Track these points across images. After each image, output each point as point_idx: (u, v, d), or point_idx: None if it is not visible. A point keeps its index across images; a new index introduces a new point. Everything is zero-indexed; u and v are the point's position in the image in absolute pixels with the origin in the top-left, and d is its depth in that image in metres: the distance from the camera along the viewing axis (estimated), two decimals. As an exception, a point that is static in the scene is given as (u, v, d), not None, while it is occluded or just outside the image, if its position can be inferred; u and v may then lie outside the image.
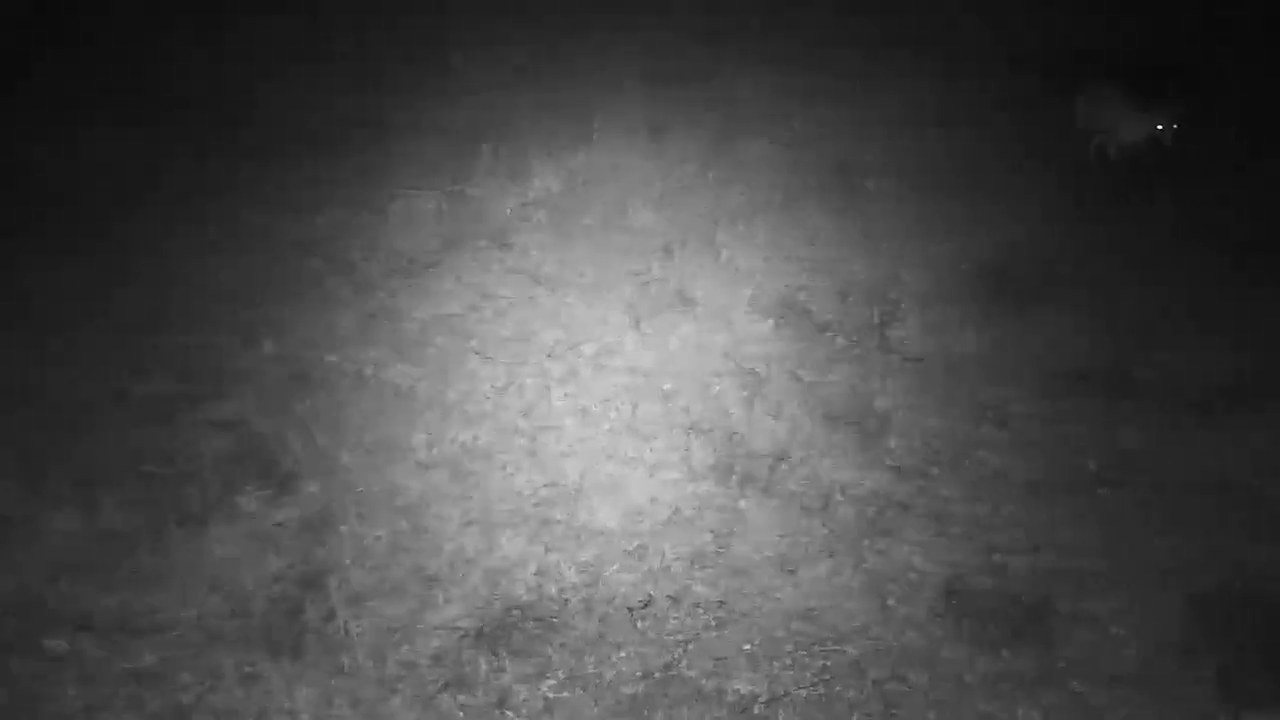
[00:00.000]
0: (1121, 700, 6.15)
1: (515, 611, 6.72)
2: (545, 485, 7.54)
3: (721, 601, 6.82)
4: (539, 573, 6.97)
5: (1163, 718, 6.07)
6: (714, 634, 6.64)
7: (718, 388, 8.30)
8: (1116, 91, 9.97)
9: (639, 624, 6.67)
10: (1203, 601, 6.60)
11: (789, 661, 6.47)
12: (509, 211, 9.88)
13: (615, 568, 7.01)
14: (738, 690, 6.33)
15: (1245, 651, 6.28)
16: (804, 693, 6.30)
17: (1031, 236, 9.63)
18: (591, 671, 6.42)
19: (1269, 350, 8.37)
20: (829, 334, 8.75)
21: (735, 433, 7.91)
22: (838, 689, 6.31)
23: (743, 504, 7.43)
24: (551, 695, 6.31)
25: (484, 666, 6.41)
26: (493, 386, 8.26)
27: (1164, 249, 9.43)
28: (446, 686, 6.34)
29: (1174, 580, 6.77)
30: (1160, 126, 9.56)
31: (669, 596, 6.85)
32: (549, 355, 8.55)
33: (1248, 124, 10.46)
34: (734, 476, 7.55)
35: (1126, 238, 9.59)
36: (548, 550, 7.11)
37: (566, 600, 6.81)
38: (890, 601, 6.79)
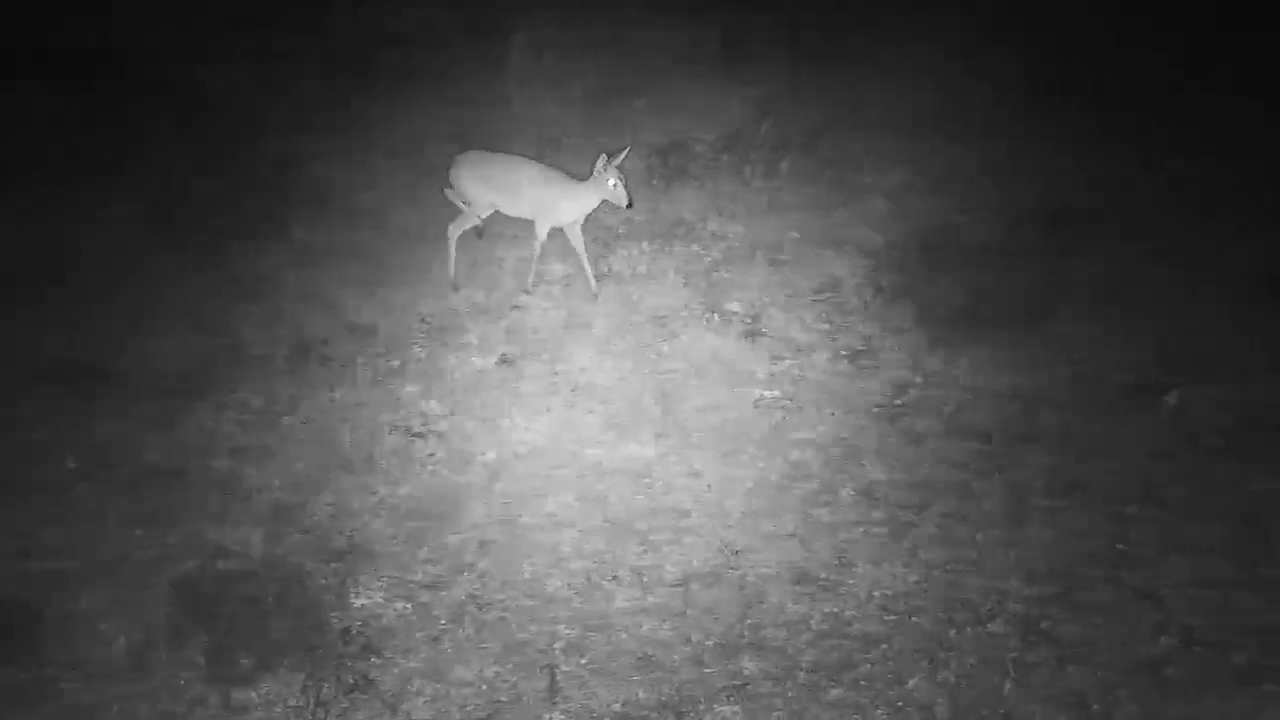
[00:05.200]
0: (114, 696, 6.62)
1: None
2: None
3: None
4: None
5: (156, 707, 6.60)
6: None
7: None
8: (554, 173, 9.62)
9: None
10: (186, 586, 7.21)
11: None
12: None
13: None
14: None
15: (229, 631, 6.95)
16: None
17: (39, 237, 10.05)
18: None
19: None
20: None
21: None
22: None
23: None
24: None
25: None
26: None
27: (129, 249, 10.15)
28: None
29: (158, 569, 7.36)
30: (614, 182, 9.36)
31: None
32: None
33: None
34: None
35: (112, 241, 10.21)
36: None
37: None
38: None
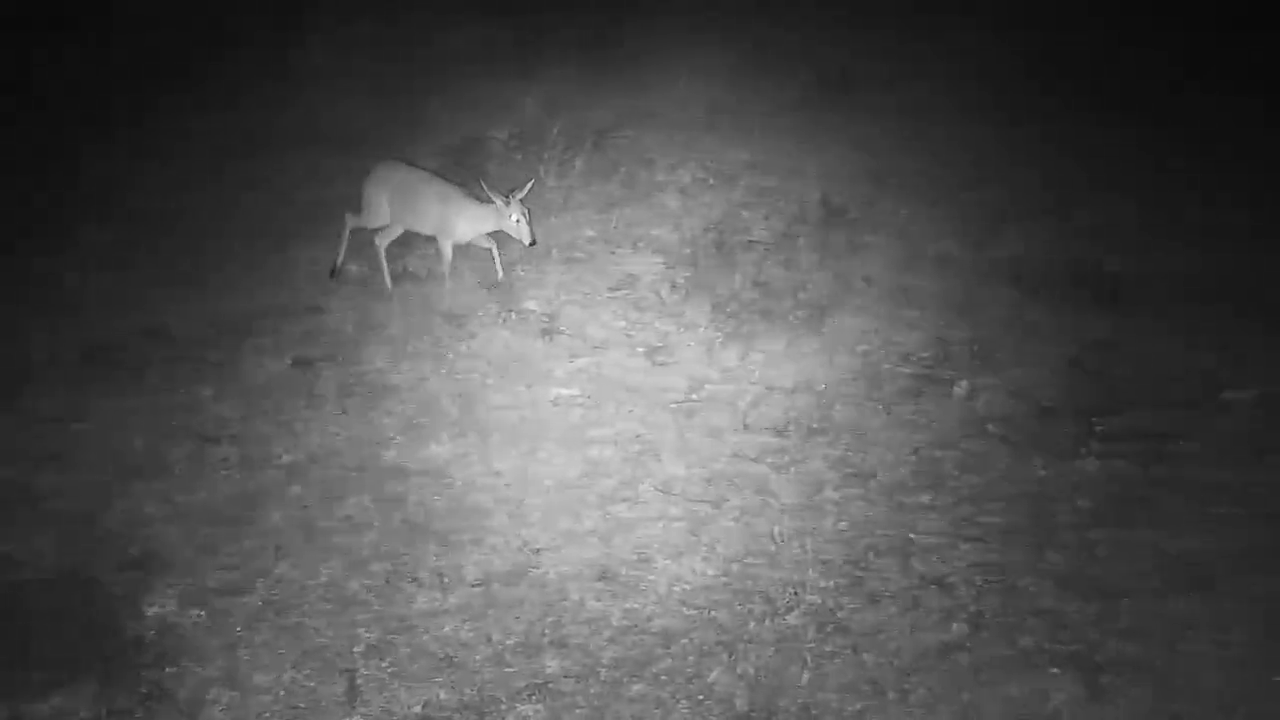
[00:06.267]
0: (-103, 714, 6.26)
1: None
2: None
3: None
4: None
5: (-59, 725, 6.26)
6: None
7: None
8: (453, 191, 9.61)
9: None
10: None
11: None
12: None
13: None
14: None
15: (19, 644, 6.80)
16: None
17: None
18: None
19: None
20: None
21: None
22: None
23: None
24: None
25: None
26: None
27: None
28: None
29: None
30: (518, 218, 9.32)
31: None
32: None
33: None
34: None
35: None
36: None
37: None
38: None
